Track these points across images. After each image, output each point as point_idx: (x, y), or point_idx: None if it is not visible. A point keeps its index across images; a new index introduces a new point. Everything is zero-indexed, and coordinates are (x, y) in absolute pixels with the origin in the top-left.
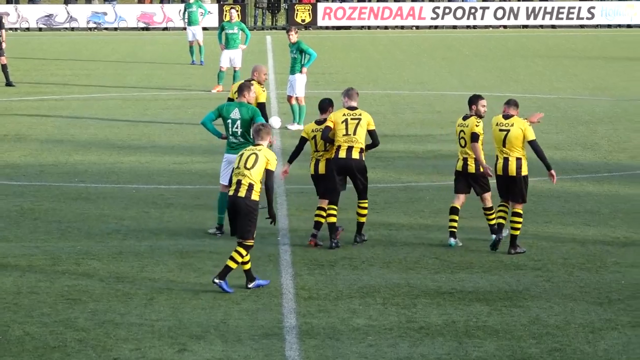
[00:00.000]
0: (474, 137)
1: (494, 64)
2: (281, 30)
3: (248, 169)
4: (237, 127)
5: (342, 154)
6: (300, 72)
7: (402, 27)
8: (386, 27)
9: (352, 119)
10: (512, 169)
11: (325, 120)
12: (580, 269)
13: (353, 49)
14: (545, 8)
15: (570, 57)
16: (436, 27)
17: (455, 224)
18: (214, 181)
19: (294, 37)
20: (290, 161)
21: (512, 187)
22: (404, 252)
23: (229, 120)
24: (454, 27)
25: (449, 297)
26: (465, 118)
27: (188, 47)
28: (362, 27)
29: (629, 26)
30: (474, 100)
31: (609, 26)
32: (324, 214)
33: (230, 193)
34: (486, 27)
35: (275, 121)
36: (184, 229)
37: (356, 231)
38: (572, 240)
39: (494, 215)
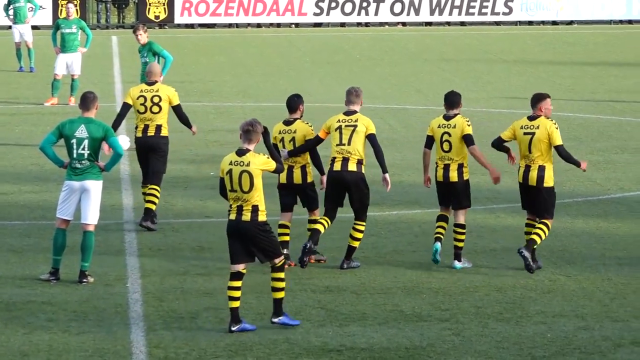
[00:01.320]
0: (468, 139)
1: (390, 70)
2: (130, 29)
3: (246, 193)
4: (83, 149)
5: (337, 166)
6: None
7: (279, 25)
8: (259, 25)
9: (346, 126)
10: (533, 178)
11: (294, 120)
12: (496, 320)
13: (218, 52)
14: (453, 1)
15: (484, 60)
16: (320, 24)
17: (442, 230)
18: (48, 215)
19: (143, 37)
20: None
21: (534, 200)
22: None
23: (74, 140)
24: (342, 24)
25: (336, 356)
26: (447, 118)
27: (15, 50)
28: (229, 25)
29: (554, 23)
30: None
31: (530, 23)
32: (287, 231)
33: (232, 217)
34: (381, 24)
35: (123, 141)
36: (11, 275)
37: (345, 256)
38: (486, 284)
39: (464, 237)
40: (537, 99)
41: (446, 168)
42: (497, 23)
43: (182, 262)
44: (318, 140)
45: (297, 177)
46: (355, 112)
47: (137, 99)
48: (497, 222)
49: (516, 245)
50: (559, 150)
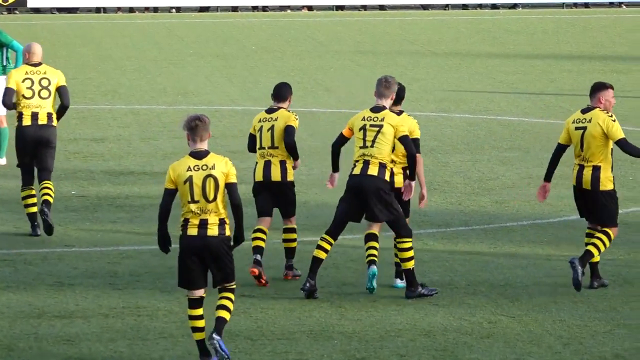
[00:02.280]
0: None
1: (293, 65)
2: None
3: (212, 202)
4: None
5: (357, 169)
6: (4, 74)
7: (156, 10)
8: (131, 10)
9: (371, 125)
10: (587, 180)
11: (278, 109)
12: None
13: (81, 43)
14: None
15: (409, 53)
16: (207, 9)
17: (374, 252)
18: None
19: None
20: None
21: (591, 206)
22: None
23: None
24: (234, 8)
25: None
26: (375, 110)
27: None
28: (96, 10)
29: (494, 7)
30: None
31: (465, 7)
32: (264, 236)
33: (191, 233)
34: (282, 8)
35: None
36: None
37: (406, 286)
38: (411, 327)
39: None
40: (596, 89)
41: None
42: (425, 7)
43: (37, 301)
44: (342, 139)
45: (276, 174)
46: (384, 108)
47: (23, 82)
48: (424, 250)
49: (447, 279)
50: (621, 144)
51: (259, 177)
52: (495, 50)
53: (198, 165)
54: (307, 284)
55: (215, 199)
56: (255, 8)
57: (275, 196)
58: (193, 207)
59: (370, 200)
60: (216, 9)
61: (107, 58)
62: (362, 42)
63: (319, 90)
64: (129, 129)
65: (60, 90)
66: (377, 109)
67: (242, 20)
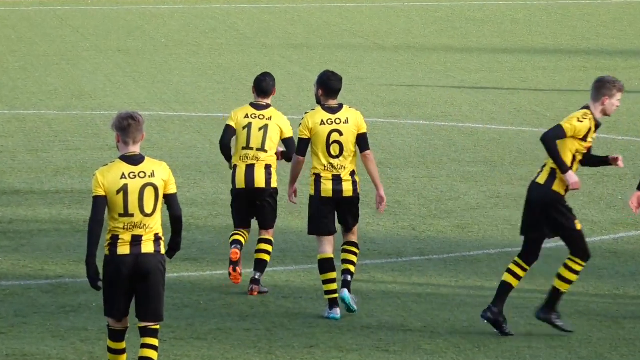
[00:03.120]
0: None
1: (212, 61)
2: None
3: (149, 215)
4: None
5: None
6: None
7: None
8: None
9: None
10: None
11: (267, 106)
12: None
13: None
14: None
15: (351, 46)
16: None
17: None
18: None
19: None
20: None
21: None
22: None
23: None
24: None
25: None
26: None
27: None
28: None
29: None
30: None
31: None
32: (242, 240)
33: (122, 251)
34: None
35: None
36: None
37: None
38: None
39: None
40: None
41: (337, 180)
42: None
43: None
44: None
45: (259, 180)
46: (339, 107)
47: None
48: (372, 284)
49: (399, 321)
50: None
51: (241, 183)
52: (455, 44)
53: (134, 172)
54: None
55: (154, 211)
56: None
57: (255, 204)
58: (125, 221)
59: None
60: None
61: None
62: (295, 34)
63: (242, 92)
64: (12, 138)
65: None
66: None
67: (150, 8)
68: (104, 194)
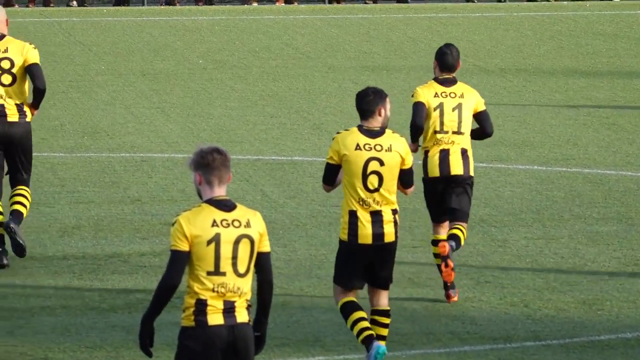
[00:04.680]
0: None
1: (265, 88)
2: None
3: (243, 275)
4: None
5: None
6: None
7: (47, 3)
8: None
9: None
10: None
11: (455, 81)
12: None
13: None
14: None
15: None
16: (127, 1)
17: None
18: None
19: None
20: None
21: None
22: None
23: None
24: (169, 0)
25: None
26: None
27: None
28: None
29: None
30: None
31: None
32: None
33: (215, 321)
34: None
35: None
36: None
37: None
38: None
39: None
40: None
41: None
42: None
43: None
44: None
45: (457, 167)
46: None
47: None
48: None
49: None
50: None
51: (434, 171)
52: (579, 65)
53: (227, 220)
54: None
55: (248, 271)
56: (199, 1)
57: (452, 193)
58: (216, 281)
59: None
60: (141, 1)
61: None
62: (371, 54)
63: (302, 128)
64: (7, 188)
65: (31, 70)
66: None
67: (183, 20)
68: (187, 248)
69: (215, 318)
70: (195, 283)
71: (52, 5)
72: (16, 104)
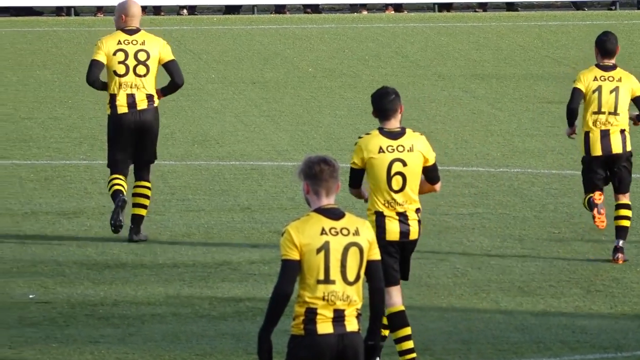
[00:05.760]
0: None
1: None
2: None
3: (352, 283)
4: None
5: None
6: None
7: (158, 11)
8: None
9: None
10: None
11: (614, 66)
12: None
13: (41, 62)
14: None
15: (554, 78)
16: (237, 9)
17: None
18: None
19: None
20: None
21: None
22: None
23: None
24: (279, 9)
25: None
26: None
27: None
28: (62, 12)
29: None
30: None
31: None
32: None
33: (324, 330)
34: (353, 7)
35: None
36: None
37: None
38: None
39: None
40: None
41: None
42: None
43: None
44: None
45: (616, 145)
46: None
47: (115, 54)
48: None
49: None
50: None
51: (596, 150)
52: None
53: (336, 228)
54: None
55: (357, 279)
56: (308, 9)
57: (612, 171)
58: (325, 289)
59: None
60: (251, 9)
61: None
62: (480, 62)
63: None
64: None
65: (169, 67)
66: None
67: (293, 28)
68: (298, 257)
69: (324, 327)
70: (305, 292)
71: (162, 13)
72: (146, 94)
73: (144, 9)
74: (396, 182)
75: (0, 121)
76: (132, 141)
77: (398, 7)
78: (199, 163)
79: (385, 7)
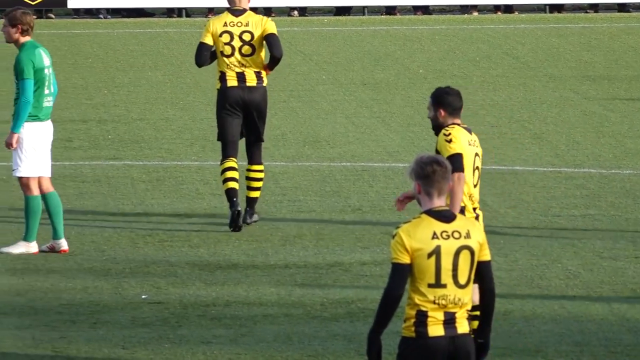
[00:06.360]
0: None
1: (485, 98)
2: None
3: (464, 287)
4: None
5: None
6: None
7: (269, 12)
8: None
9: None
10: None
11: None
12: None
13: (152, 63)
14: None
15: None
16: (348, 10)
17: None
18: None
19: None
20: None
21: None
22: None
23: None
24: (389, 10)
25: None
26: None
27: None
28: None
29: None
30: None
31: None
32: None
33: (435, 332)
34: (463, 9)
35: None
36: None
37: None
38: None
39: None
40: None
41: None
42: None
43: None
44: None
45: None
46: None
47: (220, 36)
48: None
49: None
50: None
51: None
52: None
53: (447, 232)
54: None
55: (468, 282)
56: (418, 10)
57: None
58: (436, 293)
59: None
60: (361, 10)
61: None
62: (592, 63)
63: (523, 137)
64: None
65: (268, 40)
66: None
67: (403, 30)
68: (409, 261)
69: (435, 329)
70: (416, 295)
71: (273, 14)
72: (255, 72)
73: (255, 10)
74: (475, 176)
75: (113, 122)
76: (239, 117)
77: (509, 8)
78: (310, 164)
79: (496, 8)
